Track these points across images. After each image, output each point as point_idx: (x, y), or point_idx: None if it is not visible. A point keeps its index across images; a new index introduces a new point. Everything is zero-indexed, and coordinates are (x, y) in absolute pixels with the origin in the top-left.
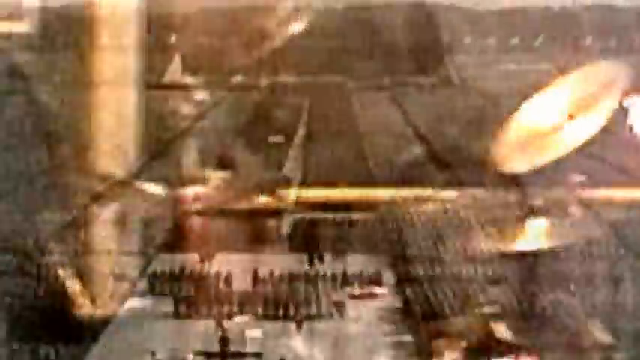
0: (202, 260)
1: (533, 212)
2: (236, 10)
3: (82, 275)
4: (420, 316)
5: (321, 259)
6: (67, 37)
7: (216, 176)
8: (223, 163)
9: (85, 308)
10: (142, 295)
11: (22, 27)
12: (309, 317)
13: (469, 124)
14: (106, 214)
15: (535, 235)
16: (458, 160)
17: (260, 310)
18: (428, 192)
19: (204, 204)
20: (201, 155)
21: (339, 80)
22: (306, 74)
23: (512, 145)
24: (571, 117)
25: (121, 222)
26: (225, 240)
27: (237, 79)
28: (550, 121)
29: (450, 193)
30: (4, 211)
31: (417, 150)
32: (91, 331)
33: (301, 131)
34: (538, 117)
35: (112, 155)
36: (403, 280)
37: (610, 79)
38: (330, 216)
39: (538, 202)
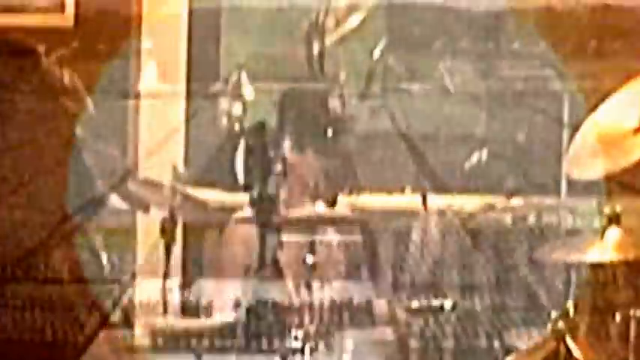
0: (184, 286)
1: (608, 221)
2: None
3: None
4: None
5: (308, 286)
6: (107, 36)
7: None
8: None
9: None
10: (116, 326)
11: (63, 20)
12: (295, 351)
13: (465, 135)
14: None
15: (610, 246)
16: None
17: (243, 342)
18: (496, 200)
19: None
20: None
21: (324, 87)
22: (287, 81)
23: (583, 150)
24: None
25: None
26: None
27: (209, 86)
28: (622, 125)
29: (516, 201)
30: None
31: (482, 155)
32: None
33: (287, 142)
34: (609, 121)
35: (158, 162)
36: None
37: None
38: (319, 237)
39: (613, 210)
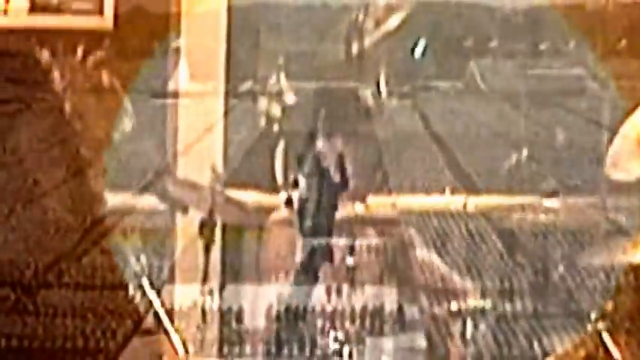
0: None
1: None
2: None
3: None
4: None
5: (339, 291)
6: (146, 35)
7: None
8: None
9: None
10: (147, 332)
11: (101, 22)
12: (326, 357)
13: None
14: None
15: None
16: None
17: (273, 349)
18: (534, 200)
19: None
20: (287, 158)
21: (354, 86)
22: (325, 81)
23: (623, 151)
24: None
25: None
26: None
27: (248, 85)
28: None
29: (555, 202)
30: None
31: (520, 155)
32: None
33: (319, 143)
34: None
35: (196, 163)
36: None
37: None
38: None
39: None
